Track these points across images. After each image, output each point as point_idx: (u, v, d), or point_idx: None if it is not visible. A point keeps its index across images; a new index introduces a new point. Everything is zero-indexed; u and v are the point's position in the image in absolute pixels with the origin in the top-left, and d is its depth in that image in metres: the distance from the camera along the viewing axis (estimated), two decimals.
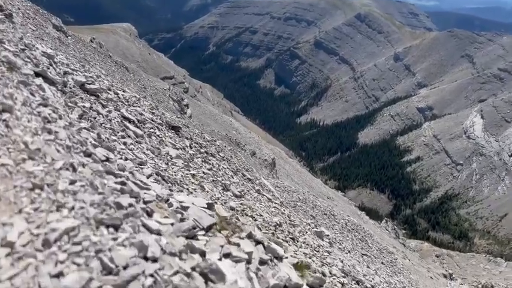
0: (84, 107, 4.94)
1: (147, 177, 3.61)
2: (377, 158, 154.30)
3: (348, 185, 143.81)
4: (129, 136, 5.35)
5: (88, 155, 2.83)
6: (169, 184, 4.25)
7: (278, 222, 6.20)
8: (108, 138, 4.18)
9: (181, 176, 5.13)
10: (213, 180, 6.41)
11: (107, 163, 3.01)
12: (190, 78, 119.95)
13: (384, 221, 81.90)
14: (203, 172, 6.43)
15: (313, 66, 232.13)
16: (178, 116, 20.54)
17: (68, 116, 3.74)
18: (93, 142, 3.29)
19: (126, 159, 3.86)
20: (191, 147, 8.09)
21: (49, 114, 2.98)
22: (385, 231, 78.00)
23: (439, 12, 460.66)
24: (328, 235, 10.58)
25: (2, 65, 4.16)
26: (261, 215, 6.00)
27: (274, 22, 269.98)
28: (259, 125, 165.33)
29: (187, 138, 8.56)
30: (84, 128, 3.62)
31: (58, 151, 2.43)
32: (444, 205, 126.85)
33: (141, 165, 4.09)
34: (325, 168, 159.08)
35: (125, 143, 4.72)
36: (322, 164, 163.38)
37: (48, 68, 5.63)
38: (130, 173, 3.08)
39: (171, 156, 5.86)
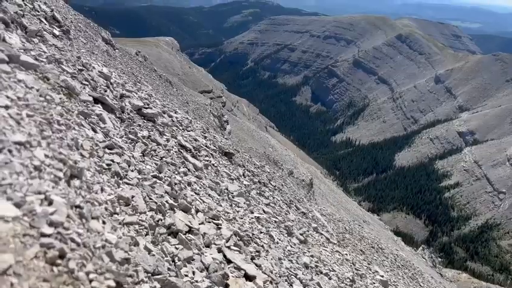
0: (143, 137, 4.52)
1: (228, 246, 3.06)
2: (414, 182, 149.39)
3: (383, 207, 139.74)
4: (189, 170, 4.89)
5: (168, 227, 2.31)
6: (245, 244, 3.69)
7: (351, 278, 5.54)
8: (176, 185, 3.67)
9: (249, 223, 4.59)
10: (275, 222, 5.84)
11: (190, 235, 2.47)
12: (228, 92, 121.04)
13: (421, 248, 78.66)
14: (263, 211, 5.87)
15: (350, 85, 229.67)
16: (225, 136, 20.19)
17: (133, 156, 3.31)
18: (170, 201, 2.77)
19: (197, 210, 3.34)
20: (244, 176, 7.57)
21: (118, 163, 2.49)
22: (422, 259, 74.91)
23: (483, 34, 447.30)
24: (382, 276, 9.69)
25: (61, 91, 3.74)
26: (333, 270, 5.37)
27: (314, 40, 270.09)
28: (293, 141, 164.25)
29: (239, 165, 8.05)
30: (155, 177, 3.11)
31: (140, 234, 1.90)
32: (484, 234, 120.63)
33: (214, 219, 3.55)
34: (359, 188, 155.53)
35: (189, 183, 4.24)
36: (357, 185, 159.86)
37: (106, 91, 5.25)
38: (215, 245, 2.53)
39: (232, 194, 5.35)
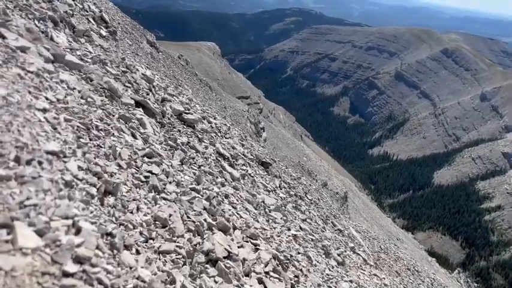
0: (183, 144, 4.40)
1: (267, 271, 2.85)
2: (452, 201, 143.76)
3: (418, 226, 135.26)
4: (226, 180, 4.73)
5: (206, 253, 2.13)
6: (284, 268, 3.47)
7: None
8: (214, 199, 3.50)
9: (286, 241, 4.35)
10: (312, 240, 5.57)
11: (229, 262, 2.28)
12: (265, 99, 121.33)
13: (456, 271, 75.39)
14: (300, 227, 5.62)
15: (391, 98, 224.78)
16: (261, 144, 20.06)
17: (171, 165, 3.17)
18: (208, 220, 2.59)
19: (235, 227, 3.14)
20: (280, 188, 7.34)
21: (157, 175, 2.33)
22: (457, 282, 71.75)
23: None
24: None
25: (103, 93, 3.65)
26: None
27: (355, 51, 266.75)
28: (328, 152, 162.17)
29: (276, 176, 7.83)
30: (193, 190, 2.94)
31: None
32: None
33: (252, 239, 3.35)
34: (394, 205, 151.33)
35: (226, 196, 4.07)
36: (392, 201, 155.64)
37: (148, 94, 5.18)
38: (255, 274, 2.32)
39: (268, 208, 5.13)
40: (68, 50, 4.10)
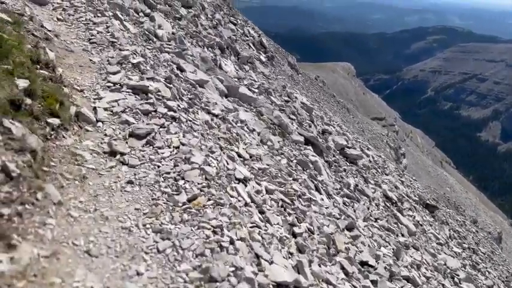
0: (354, 189, 3.76)
1: None
2: None
3: None
4: (403, 235, 3.91)
5: None
6: None
7: None
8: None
9: None
10: None
11: None
12: (401, 121, 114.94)
13: None
14: None
15: None
16: (404, 172, 18.34)
17: (370, 235, 2.55)
18: None
19: None
20: (451, 239, 6.15)
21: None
22: None
23: None
24: None
25: (275, 130, 3.18)
26: None
27: (509, 70, 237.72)
28: (472, 182, 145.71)
29: (443, 222, 6.64)
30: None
31: None
32: None
33: None
34: None
35: (418, 266, 3.24)
36: None
37: (310, 127, 4.69)
38: None
39: (457, 276, 4.11)
40: (236, 79, 3.79)
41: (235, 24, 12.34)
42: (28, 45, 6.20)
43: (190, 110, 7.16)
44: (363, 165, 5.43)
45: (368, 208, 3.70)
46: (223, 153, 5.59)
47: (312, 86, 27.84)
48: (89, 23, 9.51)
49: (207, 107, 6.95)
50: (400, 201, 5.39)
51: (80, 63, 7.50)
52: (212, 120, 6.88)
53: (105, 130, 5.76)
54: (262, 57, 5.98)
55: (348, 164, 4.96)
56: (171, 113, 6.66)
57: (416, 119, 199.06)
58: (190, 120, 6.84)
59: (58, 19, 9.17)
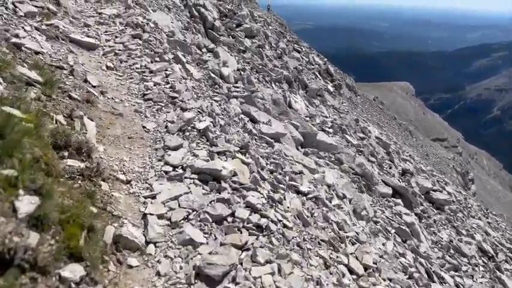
0: (448, 248, 3.11)
1: None
2: None
3: None
4: None
5: None
6: None
7: None
8: None
9: None
10: None
11: None
12: (464, 142, 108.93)
13: None
14: None
15: None
16: (473, 199, 16.79)
17: None
18: None
19: None
20: None
21: None
22: None
23: None
24: None
25: (360, 183, 2.72)
26: None
27: None
28: None
29: None
30: None
31: None
32: None
33: None
34: None
35: None
36: None
37: (391, 168, 4.12)
38: None
39: None
40: (308, 118, 3.31)
41: (299, 52, 11.88)
42: (57, 117, 4.87)
43: (276, 197, 5.58)
44: (450, 210, 4.71)
45: (473, 276, 3.03)
46: (331, 274, 4.28)
47: (371, 107, 26.84)
48: (144, 71, 8.13)
49: (292, 182, 5.58)
50: (496, 254, 4.60)
51: (129, 134, 6.03)
52: (303, 205, 5.56)
53: (158, 263, 3.82)
54: (330, 87, 5.50)
55: (435, 210, 4.29)
56: (255, 218, 4.66)
57: (481, 140, 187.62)
58: (280, 221, 5.02)
59: (108, 67, 7.95)
